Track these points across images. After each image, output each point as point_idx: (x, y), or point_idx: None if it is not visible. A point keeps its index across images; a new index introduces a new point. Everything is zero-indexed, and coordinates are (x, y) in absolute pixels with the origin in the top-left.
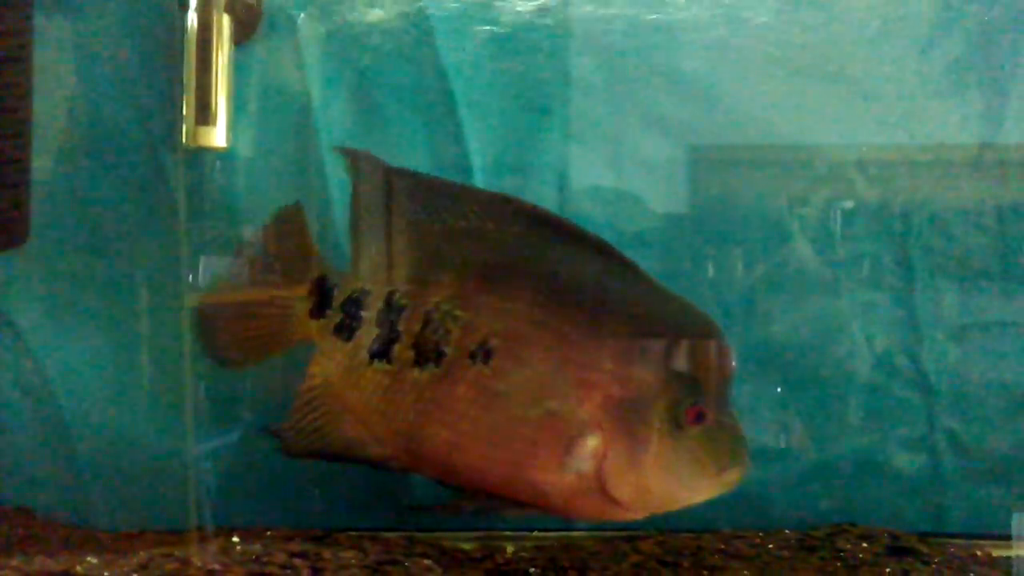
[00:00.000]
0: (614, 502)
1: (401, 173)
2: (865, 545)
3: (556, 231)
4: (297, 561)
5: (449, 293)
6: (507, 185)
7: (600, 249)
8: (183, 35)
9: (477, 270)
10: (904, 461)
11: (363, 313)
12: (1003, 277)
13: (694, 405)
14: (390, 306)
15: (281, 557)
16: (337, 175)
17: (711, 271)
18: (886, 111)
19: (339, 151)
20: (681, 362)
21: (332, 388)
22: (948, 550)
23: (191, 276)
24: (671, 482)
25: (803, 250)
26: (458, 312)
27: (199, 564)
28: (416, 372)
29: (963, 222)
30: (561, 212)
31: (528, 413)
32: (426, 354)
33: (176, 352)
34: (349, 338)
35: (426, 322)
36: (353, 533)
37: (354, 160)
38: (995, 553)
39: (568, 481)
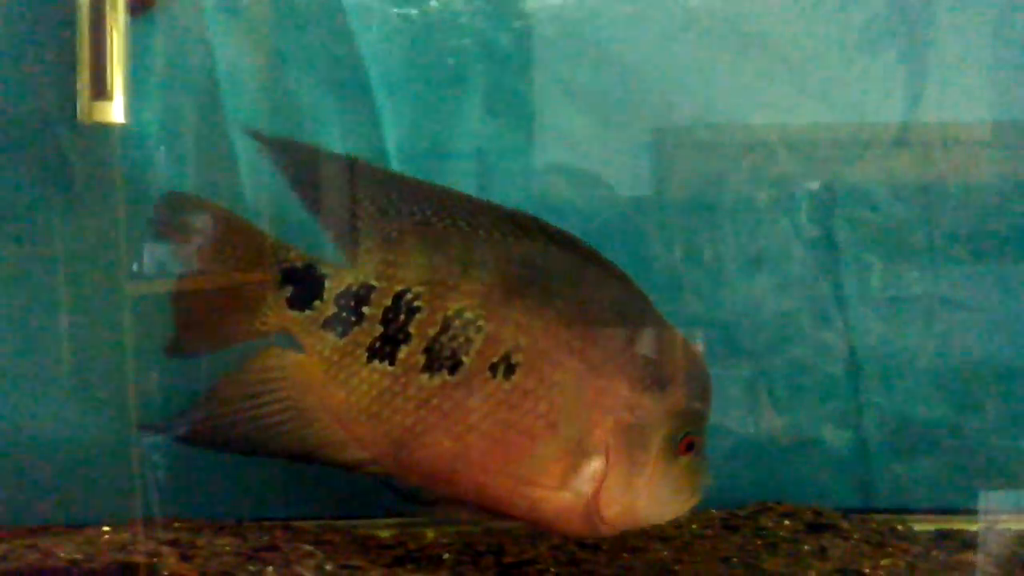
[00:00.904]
0: (601, 520)
1: (404, 178)
2: (787, 523)
3: (575, 252)
4: (165, 549)
5: (473, 301)
6: (426, 167)
7: (614, 273)
8: (75, 5)
9: (502, 281)
10: (831, 436)
11: (364, 309)
12: (928, 251)
13: (688, 435)
14: (399, 306)
15: (150, 546)
16: (247, 155)
17: (635, 247)
18: (806, 80)
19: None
20: (683, 394)
21: (309, 385)
22: (869, 525)
23: (97, 259)
24: (654, 505)
25: (727, 226)
26: (482, 322)
27: (61, 555)
28: (424, 378)
29: (887, 196)
30: (482, 193)
31: (540, 431)
32: (440, 361)
33: (82, 339)
34: (344, 334)
35: (444, 328)
36: (266, 523)
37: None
38: (917, 527)
39: (564, 499)
